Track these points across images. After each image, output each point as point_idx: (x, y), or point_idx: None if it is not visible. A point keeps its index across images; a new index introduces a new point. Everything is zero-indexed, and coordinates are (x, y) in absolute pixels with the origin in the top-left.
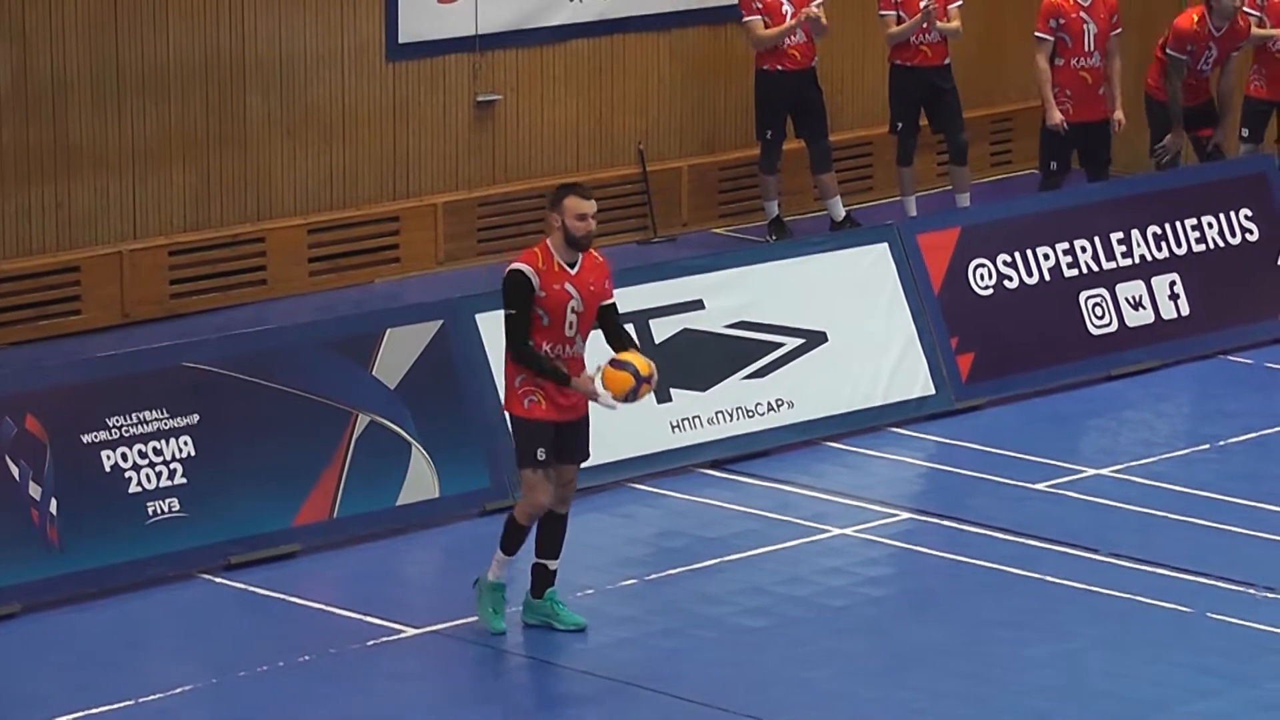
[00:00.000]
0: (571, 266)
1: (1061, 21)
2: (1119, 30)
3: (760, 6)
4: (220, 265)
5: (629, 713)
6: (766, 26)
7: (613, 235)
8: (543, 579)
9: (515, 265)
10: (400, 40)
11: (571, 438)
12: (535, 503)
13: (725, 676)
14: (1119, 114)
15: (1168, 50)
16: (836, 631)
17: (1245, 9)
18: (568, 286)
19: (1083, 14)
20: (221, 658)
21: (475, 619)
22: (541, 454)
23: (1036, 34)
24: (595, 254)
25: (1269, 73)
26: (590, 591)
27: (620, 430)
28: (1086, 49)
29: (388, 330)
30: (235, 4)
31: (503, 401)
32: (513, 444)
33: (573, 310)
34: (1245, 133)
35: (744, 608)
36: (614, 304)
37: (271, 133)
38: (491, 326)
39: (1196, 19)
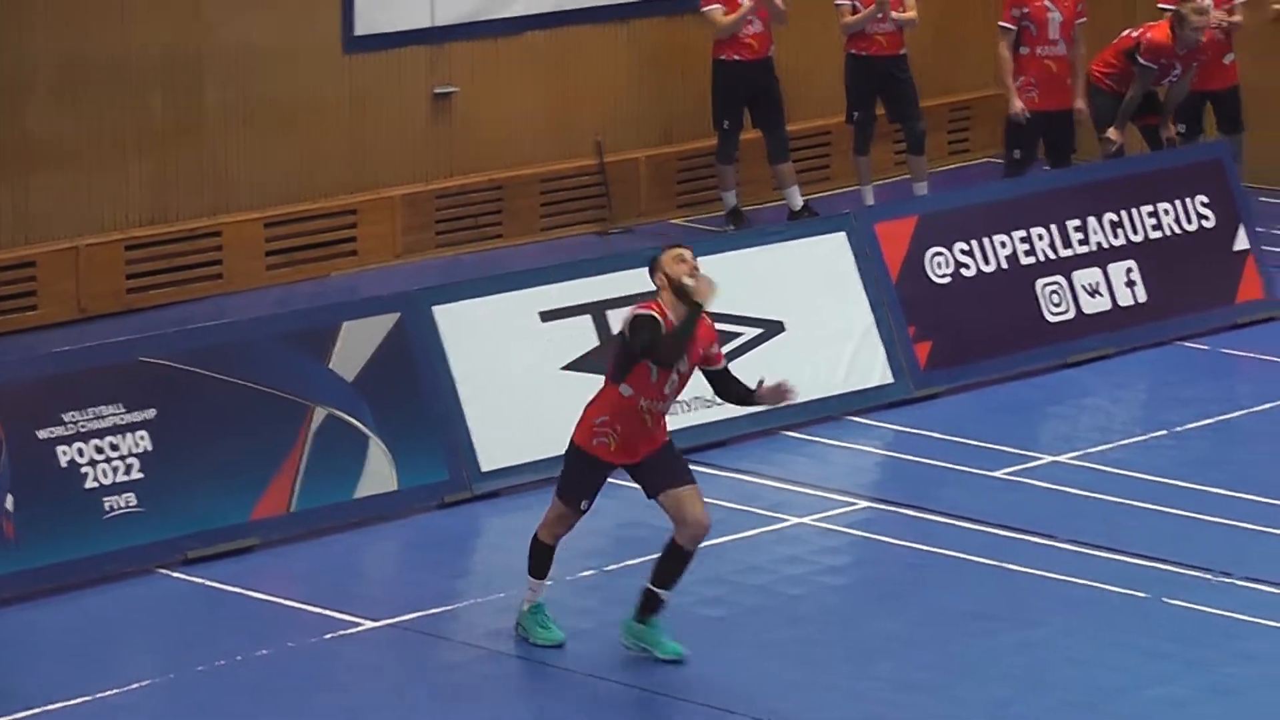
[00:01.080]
0: None
1: (1026, 10)
2: (1083, 19)
3: None
4: (177, 260)
5: (588, 703)
6: (725, 15)
7: (571, 226)
8: (651, 605)
9: (643, 310)
10: (357, 33)
11: (656, 468)
12: (558, 533)
13: (685, 666)
14: (1079, 103)
15: (1140, 60)
16: (797, 621)
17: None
18: None
19: (1047, 2)
20: (179, 652)
21: (434, 611)
22: (585, 505)
23: (1000, 23)
24: (705, 317)
25: (1200, 66)
26: (549, 582)
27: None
28: (1051, 38)
29: (344, 323)
30: None
31: (572, 429)
32: (562, 470)
33: (677, 370)
34: (1183, 128)
35: (704, 597)
36: (726, 369)
37: (229, 126)
38: (448, 319)
39: (1170, 35)
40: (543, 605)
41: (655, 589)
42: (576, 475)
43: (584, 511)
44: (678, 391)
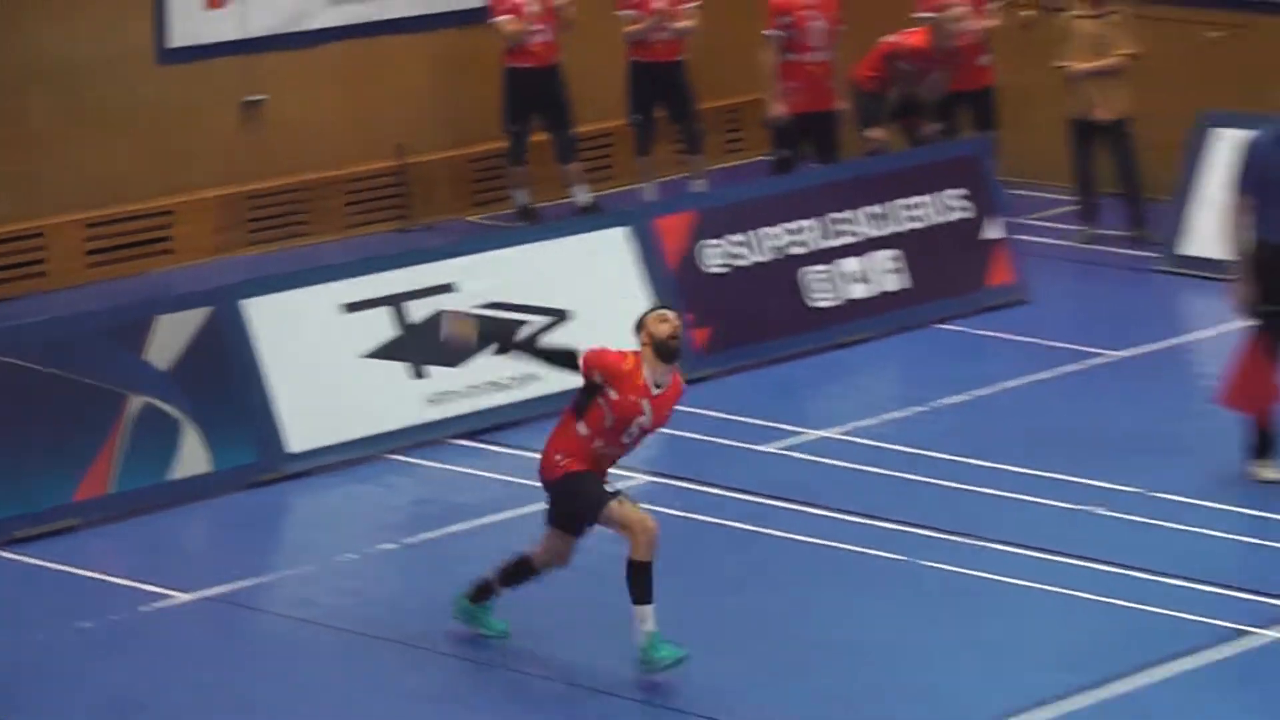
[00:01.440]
0: (657, 387)
1: (790, 19)
2: (843, 26)
3: (507, 6)
4: (1, 260)
5: (380, 665)
6: (513, 25)
7: (373, 225)
8: (487, 594)
9: (605, 358)
10: (171, 45)
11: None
12: (642, 526)
13: (473, 630)
14: (841, 104)
15: (900, 64)
16: (582, 587)
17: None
18: (643, 403)
19: (809, 12)
20: (5, 626)
21: (245, 584)
22: (610, 487)
23: (766, 32)
24: (680, 381)
25: (963, 65)
26: (353, 556)
27: (380, 405)
28: (813, 44)
29: (159, 317)
30: (15, 8)
31: (540, 470)
32: (561, 505)
33: (639, 425)
34: (941, 126)
35: (496, 567)
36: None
37: (51, 132)
38: (258, 312)
39: (927, 40)
40: (656, 633)
41: (499, 588)
42: (583, 490)
43: (615, 494)
44: (636, 443)
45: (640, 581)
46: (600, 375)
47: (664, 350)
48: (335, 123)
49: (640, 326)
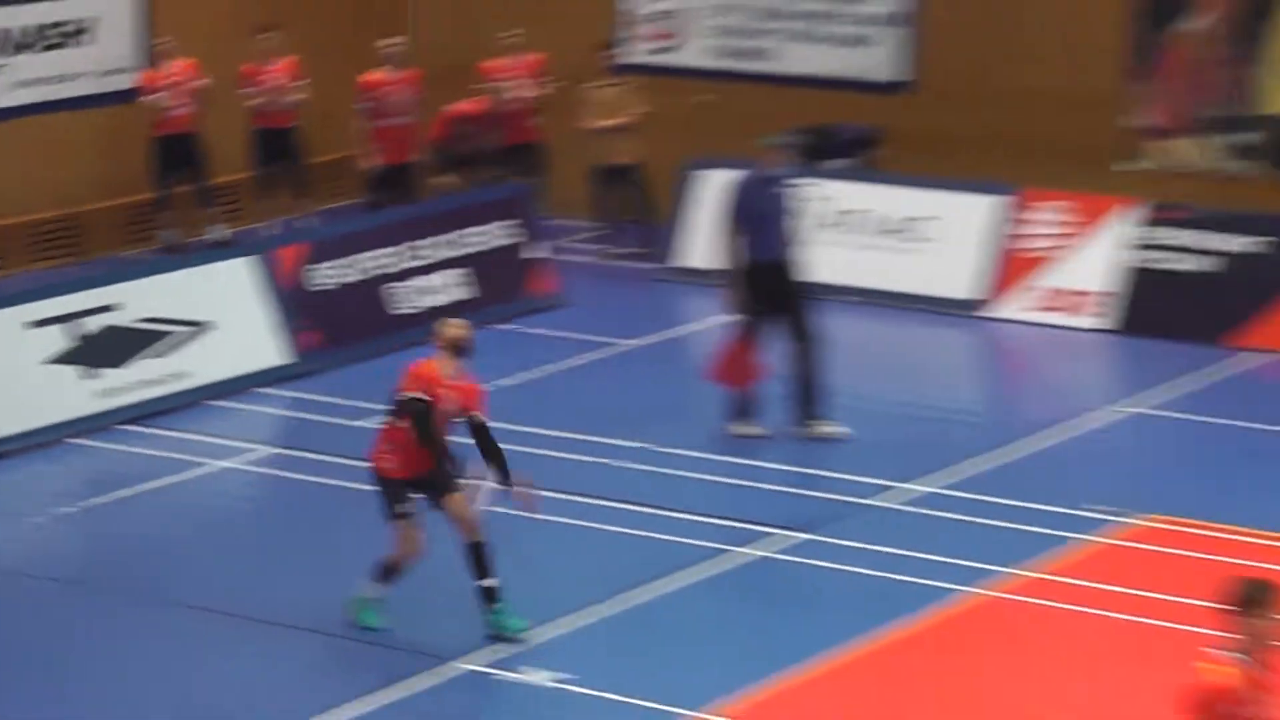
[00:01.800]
0: (449, 378)
1: (376, 94)
2: (420, 96)
3: (155, 87)
4: None
5: (66, 604)
6: (162, 104)
7: (51, 260)
8: (490, 594)
9: (412, 394)
10: None
11: (430, 485)
12: (408, 552)
13: (146, 568)
14: (419, 156)
15: (464, 125)
16: (225, 534)
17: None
18: (446, 393)
19: (391, 88)
20: None
21: None
22: (401, 508)
23: (357, 105)
24: (474, 383)
25: (513, 125)
26: (41, 519)
27: (58, 399)
28: (396, 111)
29: None
30: None
31: (371, 457)
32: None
33: (445, 413)
34: (498, 172)
35: (160, 520)
36: (484, 422)
37: None
38: None
39: (481, 105)
40: (371, 601)
41: (478, 583)
42: (387, 495)
43: (406, 515)
44: (449, 423)
45: (385, 570)
46: (422, 388)
47: (455, 347)
48: (20, 180)
49: (437, 335)
